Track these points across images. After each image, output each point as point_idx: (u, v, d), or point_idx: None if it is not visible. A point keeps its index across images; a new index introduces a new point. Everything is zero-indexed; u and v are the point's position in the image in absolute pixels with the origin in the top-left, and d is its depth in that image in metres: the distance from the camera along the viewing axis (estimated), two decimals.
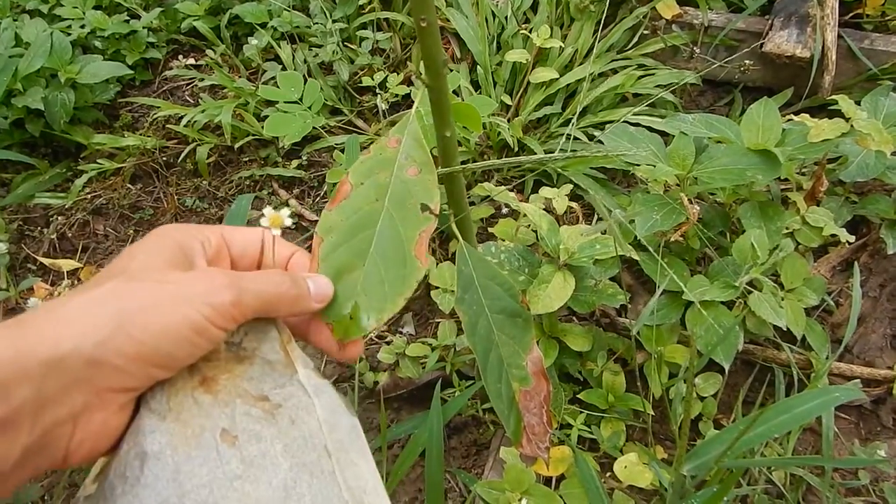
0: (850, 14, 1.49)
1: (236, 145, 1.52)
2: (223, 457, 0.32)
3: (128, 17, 1.75)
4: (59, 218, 1.48)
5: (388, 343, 1.16)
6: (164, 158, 1.57)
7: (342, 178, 0.48)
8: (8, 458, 0.28)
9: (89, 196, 1.51)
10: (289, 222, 0.43)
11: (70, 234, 1.46)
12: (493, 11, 1.59)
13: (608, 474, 0.97)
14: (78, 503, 0.38)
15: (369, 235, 0.46)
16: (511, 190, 1.37)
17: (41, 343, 0.29)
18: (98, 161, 1.54)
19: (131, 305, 0.31)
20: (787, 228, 1.08)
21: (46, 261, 1.40)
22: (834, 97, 1.06)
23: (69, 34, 1.62)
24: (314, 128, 1.40)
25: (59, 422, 0.30)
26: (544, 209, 1.06)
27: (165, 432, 0.32)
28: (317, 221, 1.45)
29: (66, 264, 1.39)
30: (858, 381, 1.07)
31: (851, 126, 1.01)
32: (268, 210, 0.42)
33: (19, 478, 0.29)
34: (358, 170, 0.48)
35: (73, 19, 1.70)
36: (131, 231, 1.48)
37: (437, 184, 0.48)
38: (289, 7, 1.69)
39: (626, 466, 0.90)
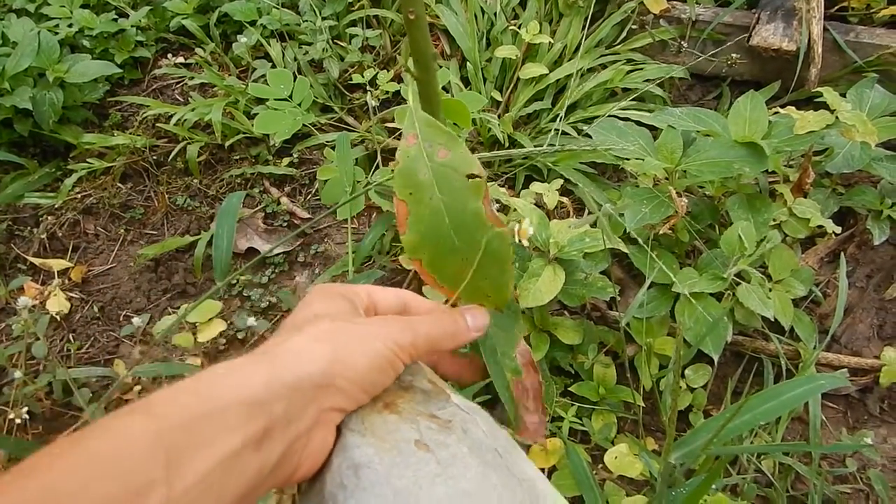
0: (836, 7, 1.50)
1: (227, 143, 1.52)
2: (422, 461, 0.37)
3: (116, 16, 1.74)
4: (49, 218, 1.47)
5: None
6: (155, 157, 1.57)
7: (395, 201, 0.49)
8: (267, 463, 0.33)
9: (79, 195, 1.51)
10: (531, 231, 0.48)
11: (60, 234, 1.45)
12: (482, 7, 1.60)
13: (599, 465, 0.98)
14: None
15: (446, 229, 0.48)
16: (502, 185, 1.37)
17: (285, 369, 0.35)
18: (87, 160, 1.53)
19: (344, 341, 0.38)
20: (774, 220, 1.10)
21: (37, 260, 1.40)
22: (820, 89, 1.07)
23: (57, 33, 1.62)
24: (304, 125, 1.40)
25: (299, 434, 0.35)
26: (535, 204, 1.07)
27: (369, 446, 0.37)
28: (309, 219, 1.45)
29: (57, 264, 1.39)
30: (846, 370, 1.09)
31: (837, 118, 1.02)
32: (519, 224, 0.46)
33: (266, 486, 0.35)
34: (399, 183, 0.48)
35: (60, 18, 1.69)
36: (122, 230, 1.47)
37: (469, 148, 0.51)
38: (278, 5, 1.69)
39: (616, 457, 0.91)
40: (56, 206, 1.49)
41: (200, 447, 0.30)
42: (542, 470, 0.92)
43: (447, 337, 0.44)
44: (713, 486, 0.85)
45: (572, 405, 1.03)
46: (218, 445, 0.31)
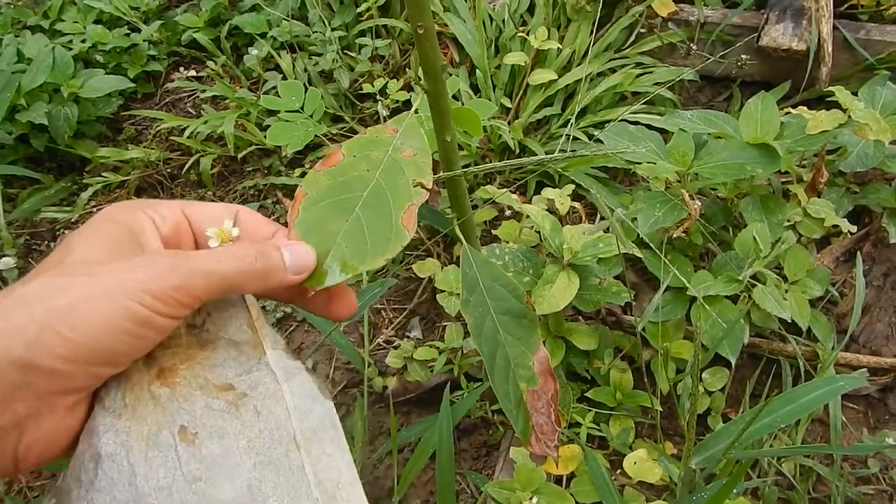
0: (845, 5, 1.49)
1: (239, 155, 1.53)
2: (182, 457, 0.30)
3: (128, 31, 1.77)
4: (66, 231, 1.49)
5: (395, 348, 1.17)
6: (168, 170, 1.58)
7: (334, 149, 0.48)
8: None
9: (95, 209, 1.52)
10: (236, 232, 0.39)
11: None
12: (490, 15, 1.60)
13: (618, 471, 0.97)
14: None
15: (357, 197, 0.44)
16: (513, 192, 1.38)
17: None
18: (103, 174, 1.55)
19: (59, 303, 0.29)
20: (788, 221, 1.09)
21: None
22: (831, 89, 1.06)
23: (71, 49, 1.64)
24: (316, 136, 1.41)
25: (2, 430, 0.28)
26: (547, 210, 1.07)
27: (121, 431, 0.31)
28: None
29: None
30: (865, 370, 1.08)
31: (849, 117, 1.02)
32: (211, 230, 0.38)
33: None
34: (351, 145, 0.47)
35: (74, 34, 1.72)
36: None
37: (431, 167, 0.48)
38: (288, 17, 1.70)
39: (635, 462, 0.90)
40: (73, 220, 1.51)
41: None
42: (561, 478, 0.92)
43: (252, 276, 0.34)
44: (734, 491, 0.84)
45: (589, 411, 1.02)
46: None
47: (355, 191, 0.45)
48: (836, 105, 1.04)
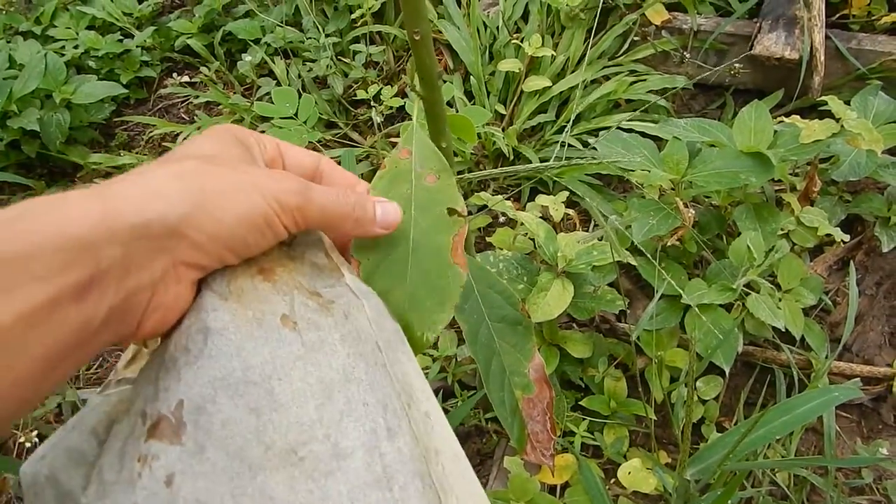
0: (837, 15, 1.50)
1: None
2: (285, 339, 0.33)
3: (121, 37, 1.76)
4: None
5: None
6: None
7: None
8: (95, 317, 0.29)
9: None
10: None
11: None
12: (484, 22, 1.60)
13: (612, 480, 0.97)
14: (109, 386, 0.38)
15: (405, 250, 0.45)
16: (507, 198, 1.38)
17: (128, 207, 0.29)
18: (94, 180, 1.54)
19: (214, 186, 0.32)
20: (782, 229, 1.09)
21: None
22: (824, 98, 1.07)
23: (63, 55, 1.63)
24: (310, 142, 1.41)
25: (141, 287, 0.30)
26: (541, 217, 1.07)
27: (227, 311, 0.33)
28: None
29: None
30: (858, 379, 1.08)
31: (842, 126, 1.02)
32: None
33: (100, 342, 0.30)
34: (377, 186, 0.48)
35: (66, 40, 1.71)
36: None
37: (456, 187, 0.48)
38: (282, 23, 1.70)
39: (629, 472, 0.90)
40: None
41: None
42: (555, 487, 0.92)
43: (347, 219, 0.39)
44: (728, 502, 0.84)
45: (583, 419, 1.02)
46: (22, 298, 0.26)
47: (400, 244, 0.46)
48: (829, 114, 1.05)
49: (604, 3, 1.49)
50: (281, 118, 1.37)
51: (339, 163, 1.35)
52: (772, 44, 1.41)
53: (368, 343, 0.35)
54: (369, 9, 1.63)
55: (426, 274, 0.45)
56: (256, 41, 1.71)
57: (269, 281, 0.35)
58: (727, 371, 0.98)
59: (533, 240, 1.03)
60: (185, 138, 1.54)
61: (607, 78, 1.52)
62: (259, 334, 0.33)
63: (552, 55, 1.50)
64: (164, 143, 1.60)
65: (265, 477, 0.30)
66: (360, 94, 1.56)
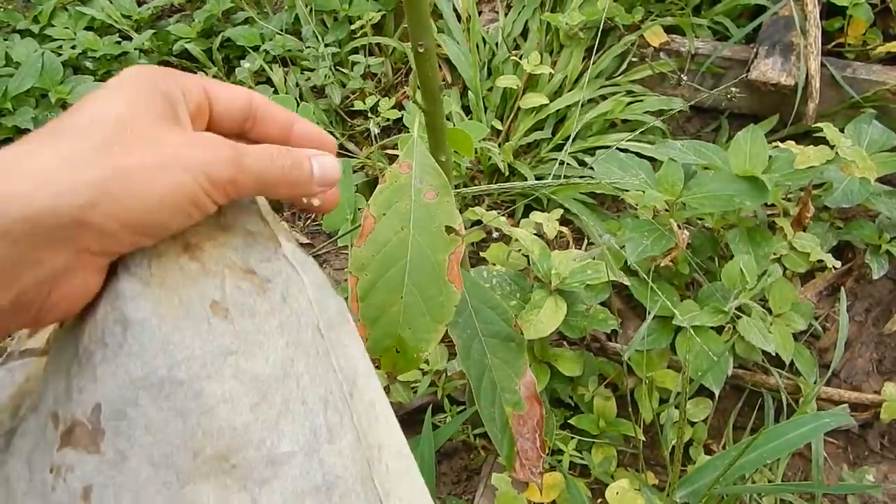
0: (833, 43, 1.52)
1: None
2: (215, 329, 0.30)
3: (119, 39, 1.75)
4: None
5: (378, 367, 1.15)
6: None
7: (364, 211, 0.48)
8: None
9: None
10: None
11: None
12: (483, 38, 1.61)
13: (599, 500, 0.96)
14: (12, 357, 0.35)
15: (402, 267, 0.45)
16: (502, 214, 1.38)
17: (15, 198, 0.26)
18: None
19: (126, 164, 0.28)
20: (774, 254, 1.10)
21: None
22: (819, 125, 1.08)
23: (60, 55, 1.63)
24: None
25: (37, 281, 0.28)
26: (535, 233, 1.07)
27: (149, 299, 0.29)
28: (309, 244, 1.44)
29: None
30: (846, 405, 1.08)
31: (836, 153, 1.03)
32: None
33: None
34: (377, 201, 0.47)
35: (64, 40, 1.70)
36: None
37: (454, 204, 0.48)
38: (281, 31, 1.70)
39: (617, 493, 0.89)
40: None
41: None
42: None
43: (284, 183, 0.34)
44: None
45: (572, 438, 1.02)
46: None
47: (398, 259, 0.46)
48: (823, 140, 1.06)
49: (603, 23, 1.50)
50: None
51: None
52: (768, 69, 1.42)
53: (309, 329, 0.32)
54: (369, 20, 1.64)
55: (422, 291, 0.45)
56: (255, 48, 1.71)
57: (196, 260, 0.31)
58: (717, 394, 0.98)
59: (527, 256, 1.03)
60: None
61: (604, 97, 1.53)
62: (186, 325, 0.29)
63: (550, 73, 1.51)
64: None
65: (194, 486, 0.28)
66: (358, 105, 1.56)
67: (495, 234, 1.35)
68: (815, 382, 1.05)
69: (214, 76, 1.72)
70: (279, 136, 0.39)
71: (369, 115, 1.51)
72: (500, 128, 1.51)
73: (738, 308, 1.01)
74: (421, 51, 0.52)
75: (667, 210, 1.11)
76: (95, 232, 0.28)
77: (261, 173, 0.33)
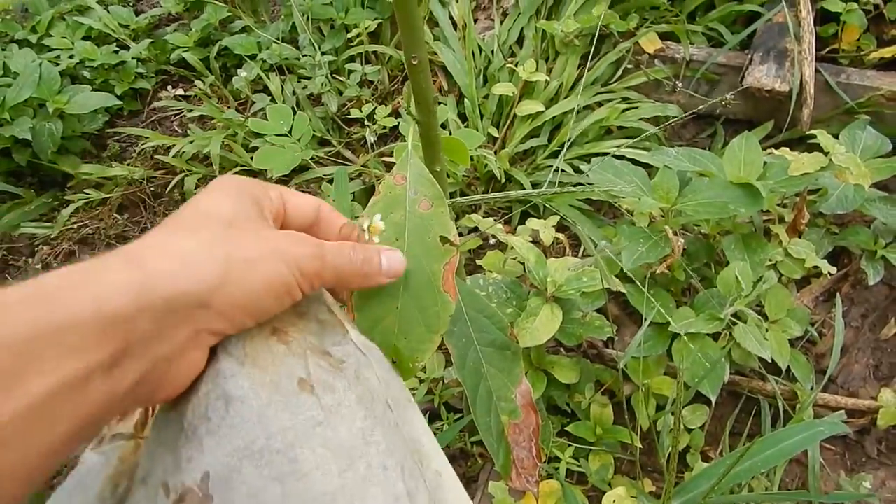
0: (827, 49, 1.53)
1: None
2: (303, 403, 0.33)
3: (117, 48, 1.76)
4: (45, 247, 1.47)
5: None
6: (152, 189, 1.57)
7: (360, 220, 0.48)
8: (120, 388, 0.29)
9: (75, 226, 1.50)
10: (382, 226, 0.44)
11: (55, 264, 1.45)
12: (479, 45, 1.62)
13: None
14: (104, 442, 0.38)
15: (394, 284, 0.46)
16: (498, 221, 1.38)
17: (162, 280, 0.30)
18: (85, 191, 1.53)
19: (239, 254, 0.32)
20: (770, 260, 1.10)
21: None
22: (813, 131, 1.08)
23: (58, 64, 1.63)
24: (303, 159, 1.41)
25: (165, 356, 0.31)
26: (531, 240, 1.07)
27: (246, 377, 0.33)
28: None
29: None
30: (843, 411, 1.08)
31: (830, 160, 1.04)
32: (366, 223, 0.43)
33: (120, 410, 0.30)
34: (372, 212, 0.48)
35: (61, 49, 1.71)
36: None
37: (449, 215, 0.49)
38: (278, 39, 1.71)
39: (614, 501, 0.90)
40: (52, 236, 1.48)
41: (36, 372, 0.26)
42: None
43: (357, 276, 0.39)
44: None
45: (569, 445, 1.02)
46: (57, 370, 0.26)
47: None
48: (818, 147, 1.06)
49: (598, 30, 1.51)
50: (275, 135, 1.37)
51: (331, 181, 1.35)
52: (763, 75, 1.43)
53: (379, 403, 0.35)
54: (366, 28, 1.65)
55: (417, 301, 0.45)
56: (252, 57, 1.72)
57: (283, 343, 0.35)
58: (713, 400, 0.98)
59: (523, 264, 1.04)
60: (177, 153, 1.53)
61: (600, 104, 1.53)
62: (279, 400, 0.32)
63: (546, 80, 1.52)
64: (156, 156, 1.60)
65: None
66: (354, 113, 1.56)
67: (492, 241, 1.35)
68: (811, 389, 1.05)
69: (212, 85, 1.72)
70: (339, 237, 0.43)
71: (366, 122, 1.52)
72: (496, 135, 1.52)
73: (734, 314, 1.02)
74: (415, 63, 0.52)
75: (662, 217, 1.11)
76: (215, 313, 0.32)
77: (340, 267, 0.37)
